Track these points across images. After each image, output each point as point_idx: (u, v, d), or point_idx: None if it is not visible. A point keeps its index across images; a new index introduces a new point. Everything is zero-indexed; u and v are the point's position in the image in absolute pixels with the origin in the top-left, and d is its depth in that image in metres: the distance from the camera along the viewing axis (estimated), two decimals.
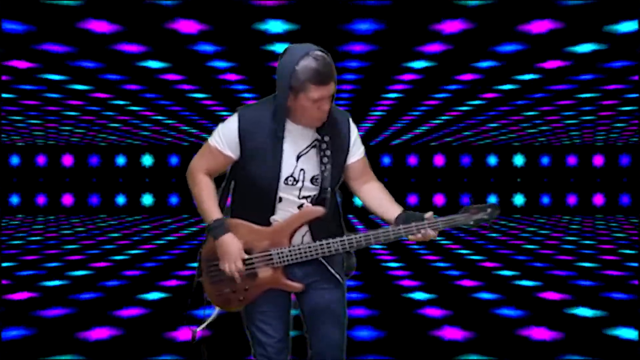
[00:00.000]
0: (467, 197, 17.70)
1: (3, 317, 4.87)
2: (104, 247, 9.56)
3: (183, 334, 4.40)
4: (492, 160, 17.84)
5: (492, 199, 17.52)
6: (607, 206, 17.71)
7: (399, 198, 2.53)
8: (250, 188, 2.17)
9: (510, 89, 7.72)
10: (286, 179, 2.13)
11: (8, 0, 4.24)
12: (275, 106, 2.07)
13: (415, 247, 9.43)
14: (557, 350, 4.07)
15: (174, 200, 17.87)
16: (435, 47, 5.56)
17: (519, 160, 17.86)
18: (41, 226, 13.42)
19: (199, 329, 2.37)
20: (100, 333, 4.44)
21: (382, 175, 14.69)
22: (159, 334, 4.44)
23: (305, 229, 2.19)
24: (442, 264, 7.72)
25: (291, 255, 2.15)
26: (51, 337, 4.36)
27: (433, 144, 16.87)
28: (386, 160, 17.67)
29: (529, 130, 13.11)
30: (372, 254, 8.58)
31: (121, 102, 8.96)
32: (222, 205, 2.25)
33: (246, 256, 2.15)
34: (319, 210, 2.13)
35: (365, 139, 2.38)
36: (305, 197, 2.17)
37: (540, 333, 4.48)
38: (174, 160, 17.77)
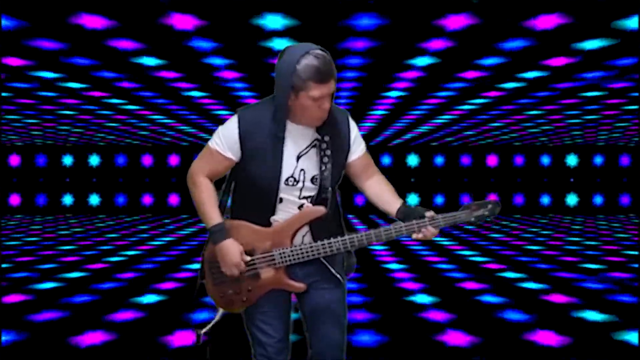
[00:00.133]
0: (467, 197, 17.70)
1: None
2: (101, 247, 9.42)
3: (178, 339, 4.26)
4: (493, 160, 17.86)
5: None
6: (607, 206, 17.72)
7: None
8: (250, 189, 2.18)
9: (515, 87, 7.59)
10: (287, 179, 2.14)
11: None
12: (275, 106, 2.08)
13: (416, 247, 9.30)
14: (564, 355, 3.94)
15: (174, 200, 17.82)
16: (438, 44, 5.43)
17: (519, 160, 17.87)
18: (39, 226, 13.29)
19: (203, 331, 2.36)
20: (93, 338, 4.30)
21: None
22: (154, 338, 4.29)
23: (305, 229, 2.20)
24: (445, 266, 7.58)
25: (293, 255, 2.17)
26: (42, 343, 4.22)
27: (433, 144, 16.81)
28: (386, 160, 17.68)
29: (531, 130, 12.99)
30: (372, 254, 8.45)
31: (116, 101, 8.83)
32: (223, 205, 2.27)
33: (247, 258, 2.17)
34: (320, 210, 2.15)
35: (365, 139, 2.34)
36: (306, 198, 2.19)
37: (546, 337, 4.34)
38: (174, 160, 17.74)
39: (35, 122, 11.58)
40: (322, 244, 2.15)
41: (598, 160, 17.77)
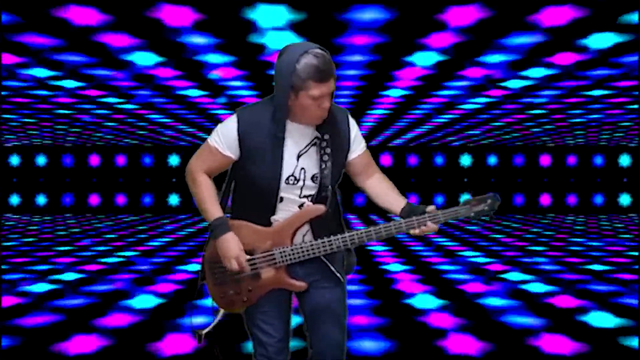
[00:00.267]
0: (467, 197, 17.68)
1: None
2: (97, 248, 9.29)
3: (169, 346, 4.13)
4: (492, 160, 17.88)
5: None
6: (606, 206, 17.75)
7: None
8: (250, 188, 2.19)
9: (520, 85, 7.47)
10: (287, 178, 2.15)
11: None
12: (275, 106, 2.08)
13: (418, 248, 9.18)
14: None
15: (174, 200, 17.72)
16: (441, 41, 5.31)
17: (519, 160, 17.89)
18: (36, 227, 13.17)
19: (204, 332, 2.36)
20: (83, 343, 4.17)
21: None
22: (143, 344, 4.16)
23: (306, 228, 2.21)
24: (446, 267, 7.46)
25: (293, 254, 2.17)
26: (30, 349, 4.09)
27: (434, 144, 16.75)
28: (386, 160, 17.62)
29: (533, 130, 12.89)
30: (372, 254, 8.33)
31: (113, 100, 8.71)
32: (223, 205, 2.27)
33: (247, 256, 2.17)
34: (320, 208, 2.15)
35: (365, 139, 2.27)
36: (306, 196, 2.19)
37: (554, 342, 4.21)
38: (174, 160, 17.67)
39: (31, 122, 11.48)
40: (323, 242, 2.16)
41: (598, 160, 17.78)
